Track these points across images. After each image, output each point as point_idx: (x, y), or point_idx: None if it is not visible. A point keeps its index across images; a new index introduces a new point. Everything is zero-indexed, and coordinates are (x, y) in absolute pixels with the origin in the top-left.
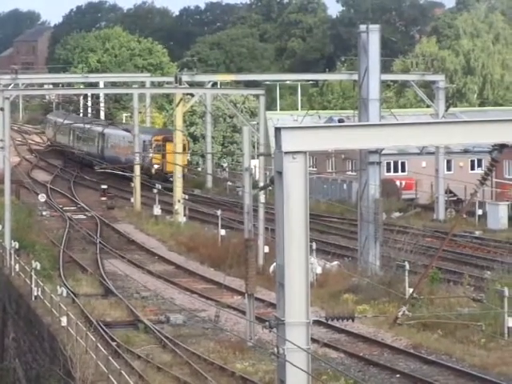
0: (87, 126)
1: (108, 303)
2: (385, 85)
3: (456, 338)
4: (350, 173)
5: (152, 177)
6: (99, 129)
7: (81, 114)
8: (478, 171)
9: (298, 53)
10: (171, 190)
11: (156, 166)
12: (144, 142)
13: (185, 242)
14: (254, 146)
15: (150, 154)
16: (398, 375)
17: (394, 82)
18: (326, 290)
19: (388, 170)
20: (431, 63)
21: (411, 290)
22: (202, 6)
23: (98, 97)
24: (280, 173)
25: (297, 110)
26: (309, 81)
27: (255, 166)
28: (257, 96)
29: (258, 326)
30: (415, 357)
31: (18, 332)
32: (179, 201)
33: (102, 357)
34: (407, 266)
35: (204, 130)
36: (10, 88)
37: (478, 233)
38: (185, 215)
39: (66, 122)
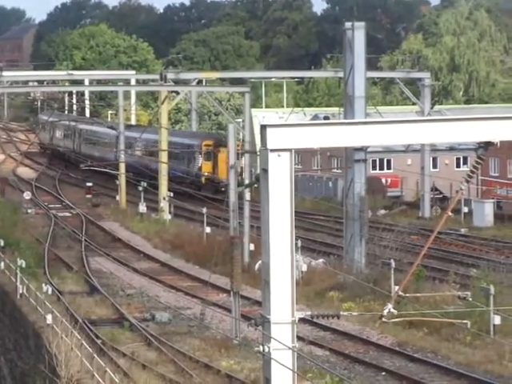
0: (99, 127)
1: (93, 301)
2: (370, 82)
3: (441, 336)
4: (335, 170)
5: (201, 187)
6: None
7: (66, 112)
8: (464, 169)
9: (284, 50)
10: (156, 187)
11: (206, 174)
12: (190, 147)
13: (170, 239)
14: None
15: (200, 162)
16: (383, 373)
17: (380, 79)
18: (312, 287)
19: (373, 168)
20: (417, 60)
21: (397, 287)
22: (187, 4)
23: (82, 94)
24: (265, 170)
25: (282, 107)
26: (294, 78)
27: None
28: (242, 93)
29: (243, 323)
30: (401, 354)
31: (2, 330)
32: (164, 198)
33: (87, 355)
34: (393, 264)
35: (189, 128)
36: None
37: (463, 230)
38: (170, 213)
39: (69, 123)
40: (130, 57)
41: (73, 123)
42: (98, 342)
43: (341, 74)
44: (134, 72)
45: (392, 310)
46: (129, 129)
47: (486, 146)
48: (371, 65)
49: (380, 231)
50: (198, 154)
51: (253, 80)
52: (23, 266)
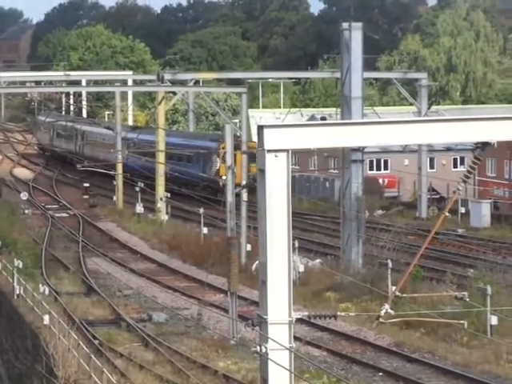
0: (103, 129)
1: (90, 301)
2: (368, 83)
3: (439, 336)
4: (332, 171)
5: (219, 191)
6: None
7: (63, 112)
8: (461, 169)
9: (281, 51)
10: (153, 188)
11: (224, 178)
12: (207, 149)
13: (167, 240)
14: None
15: (218, 165)
16: (380, 373)
17: (377, 79)
18: (309, 288)
19: (371, 168)
20: (414, 61)
21: (394, 287)
22: (184, 4)
23: (79, 95)
24: (263, 171)
25: (279, 107)
26: (291, 79)
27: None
28: (239, 94)
29: (240, 324)
30: (398, 355)
31: None
32: (161, 199)
33: (85, 355)
34: (390, 264)
35: (186, 128)
36: None
37: (460, 231)
38: (167, 213)
39: (66, 123)
40: (127, 57)
41: (75, 124)
42: (95, 342)
43: (338, 75)
44: (131, 72)
45: (389, 310)
46: (139, 131)
47: (483, 146)
48: (368, 65)
49: (377, 231)
50: (216, 157)
51: (250, 80)
52: (20, 266)
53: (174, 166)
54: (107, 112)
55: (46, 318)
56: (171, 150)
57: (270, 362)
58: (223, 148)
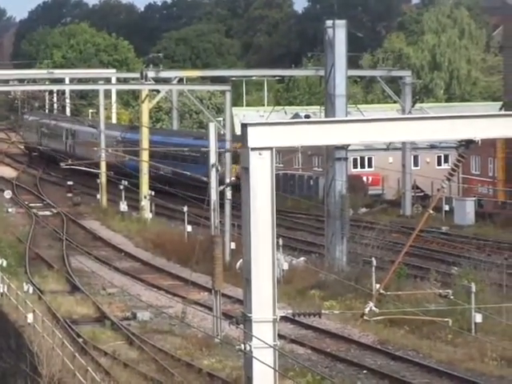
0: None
1: (74, 300)
2: (352, 80)
3: (423, 334)
4: (316, 169)
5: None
6: (117, 133)
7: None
8: (445, 167)
9: (264, 48)
10: (137, 186)
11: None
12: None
13: (151, 238)
14: None
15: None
16: (365, 371)
17: (361, 77)
18: (293, 286)
19: (355, 166)
20: (398, 59)
21: (378, 285)
22: (168, 1)
23: (63, 93)
24: (246, 169)
25: (263, 105)
26: (275, 76)
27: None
28: (223, 92)
29: (224, 322)
30: (382, 353)
31: None
32: (145, 197)
33: (69, 354)
34: (374, 262)
35: (170, 127)
36: None
37: (444, 228)
38: (151, 211)
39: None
40: (111, 55)
41: (65, 123)
42: (80, 340)
43: (322, 73)
44: (114, 70)
45: (373, 308)
46: (136, 131)
47: (467, 144)
48: (352, 63)
49: (361, 229)
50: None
51: (234, 78)
52: (4, 265)
53: (178, 168)
54: (91, 110)
55: (30, 317)
56: (174, 150)
57: (254, 360)
58: (234, 148)
